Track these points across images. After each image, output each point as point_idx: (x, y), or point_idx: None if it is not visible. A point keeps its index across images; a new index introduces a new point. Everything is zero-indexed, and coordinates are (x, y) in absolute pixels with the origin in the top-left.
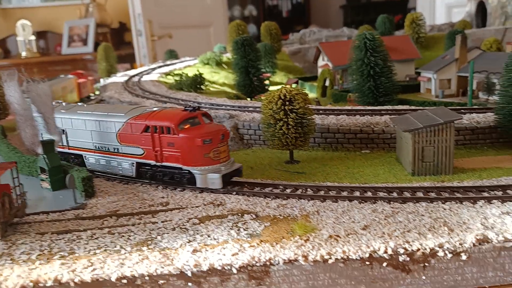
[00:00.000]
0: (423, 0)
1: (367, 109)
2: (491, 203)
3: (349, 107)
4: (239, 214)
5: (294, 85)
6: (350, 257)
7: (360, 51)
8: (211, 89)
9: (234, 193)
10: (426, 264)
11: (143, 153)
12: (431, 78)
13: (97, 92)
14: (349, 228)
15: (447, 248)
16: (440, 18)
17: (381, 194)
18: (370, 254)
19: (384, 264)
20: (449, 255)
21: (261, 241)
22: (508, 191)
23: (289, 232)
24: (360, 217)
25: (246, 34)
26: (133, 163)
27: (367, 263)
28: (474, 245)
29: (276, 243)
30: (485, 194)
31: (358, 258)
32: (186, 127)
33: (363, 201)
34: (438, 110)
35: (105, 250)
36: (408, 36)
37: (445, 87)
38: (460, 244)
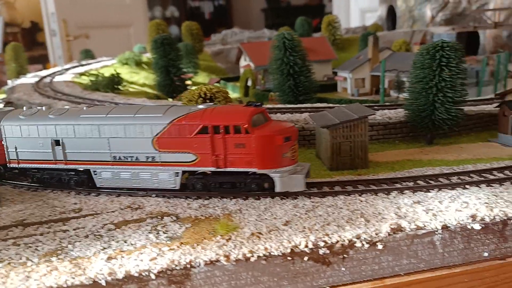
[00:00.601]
0: (338, 5)
1: (288, 107)
2: (403, 193)
3: (271, 106)
4: (159, 217)
5: (216, 85)
6: (272, 253)
7: (279, 51)
8: (130, 89)
9: (154, 195)
10: (345, 255)
11: (195, 160)
12: (347, 78)
13: (3, 95)
14: (271, 224)
15: (364, 238)
16: (354, 21)
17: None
18: (291, 249)
19: (305, 258)
20: (366, 245)
21: (182, 243)
22: (419, 182)
23: (211, 233)
24: (282, 213)
25: (166, 33)
26: (177, 172)
27: (289, 258)
28: (389, 234)
29: (197, 245)
30: (398, 185)
31: (280, 254)
32: (257, 125)
33: (284, 197)
34: (353, 107)
35: (9, 264)
36: (325, 38)
37: (359, 86)
38: (376, 234)
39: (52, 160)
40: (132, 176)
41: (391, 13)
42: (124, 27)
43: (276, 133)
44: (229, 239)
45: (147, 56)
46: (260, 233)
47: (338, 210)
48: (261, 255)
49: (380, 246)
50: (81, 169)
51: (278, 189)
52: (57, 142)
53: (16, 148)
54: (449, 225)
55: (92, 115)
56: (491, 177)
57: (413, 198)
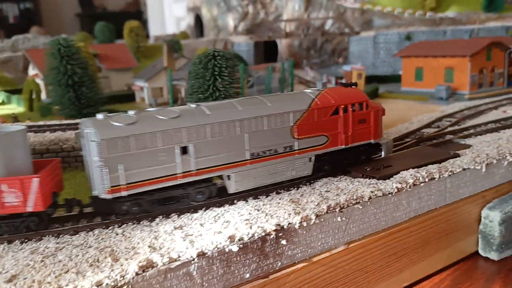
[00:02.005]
0: (153, 11)
1: (61, 124)
2: (169, 217)
3: (57, 122)
4: None
5: None
6: None
7: (54, 59)
8: None
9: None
10: None
11: (326, 141)
12: (143, 87)
13: None
14: None
15: (107, 284)
16: (170, 28)
17: (56, 225)
18: None
19: None
20: None
21: None
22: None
23: None
24: (12, 263)
25: None
26: (310, 158)
27: None
28: (137, 274)
29: None
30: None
31: None
32: None
33: (27, 239)
34: None
35: None
36: (124, 45)
37: (158, 95)
38: (122, 276)
39: (177, 174)
40: (269, 172)
41: (199, 22)
42: None
43: (380, 107)
44: None
45: None
46: None
47: (85, 251)
48: None
49: None
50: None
51: (384, 154)
52: (183, 150)
53: (123, 169)
54: (206, 251)
55: (223, 111)
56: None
57: (176, 223)
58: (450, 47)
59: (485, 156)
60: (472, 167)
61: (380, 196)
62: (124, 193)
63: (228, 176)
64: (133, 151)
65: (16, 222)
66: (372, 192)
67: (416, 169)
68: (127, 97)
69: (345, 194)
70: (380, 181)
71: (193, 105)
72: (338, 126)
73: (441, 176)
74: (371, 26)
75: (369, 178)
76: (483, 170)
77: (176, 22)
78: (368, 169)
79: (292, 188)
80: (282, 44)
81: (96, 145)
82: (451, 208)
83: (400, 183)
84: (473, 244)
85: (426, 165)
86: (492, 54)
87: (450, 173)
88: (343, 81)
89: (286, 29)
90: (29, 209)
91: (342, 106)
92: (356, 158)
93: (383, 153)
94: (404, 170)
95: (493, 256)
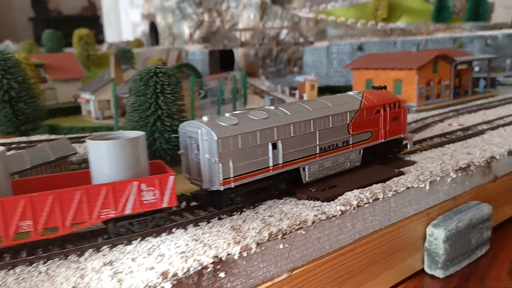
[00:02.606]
0: (109, 17)
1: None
2: (99, 251)
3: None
4: None
5: None
6: None
7: None
8: None
9: None
10: None
11: (371, 136)
12: (90, 100)
13: None
14: None
15: None
16: (127, 34)
17: None
18: None
19: None
20: None
21: None
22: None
23: None
24: None
25: None
26: (360, 150)
27: None
28: None
29: None
30: (96, 241)
31: None
32: None
33: None
34: (56, 143)
35: None
36: (72, 54)
37: (105, 108)
38: None
39: (269, 167)
40: (332, 163)
41: (154, 29)
42: None
43: (406, 106)
44: None
45: None
46: None
47: None
48: None
49: None
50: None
51: (409, 147)
52: (274, 146)
53: (231, 163)
54: None
55: (300, 112)
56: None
57: (107, 257)
58: (399, 60)
59: (428, 173)
60: (416, 185)
61: (323, 219)
62: (232, 185)
63: (303, 168)
64: (239, 147)
65: (148, 219)
66: (315, 216)
67: (360, 189)
68: (73, 110)
69: (288, 219)
70: (325, 203)
71: (271, 107)
72: (379, 123)
73: (385, 196)
74: (325, 36)
75: (314, 200)
76: (427, 187)
77: (132, 28)
78: (313, 190)
79: (235, 213)
80: (239, 53)
81: (213, 143)
82: (396, 227)
83: (344, 205)
84: (419, 262)
85: (370, 184)
86: (439, 66)
87: (394, 193)
88: (374, 87)
89: (241, 38)
90: (164, 205)
91: (382, 105)
92: (389, 150)
93: (408, 146)
94: (348, 191)
95: (439, 273)
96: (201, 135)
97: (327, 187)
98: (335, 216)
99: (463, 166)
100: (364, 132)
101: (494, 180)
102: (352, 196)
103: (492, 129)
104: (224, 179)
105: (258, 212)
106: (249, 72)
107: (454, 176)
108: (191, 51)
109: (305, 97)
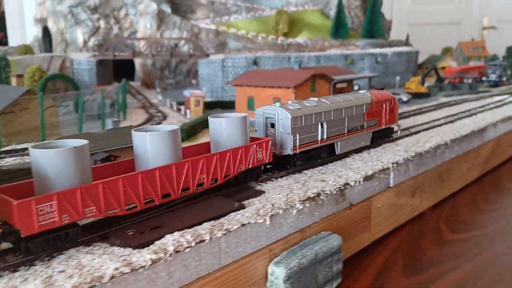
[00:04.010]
0: (12, 20)
1: None
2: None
3: None
4: None
5: None
6: None
7: None
8: None
9: None
10: None
11: (376, 124)
12: None
13: None
14: None
15: None
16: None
17: None
18: None
19: None
20: None
21: None
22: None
23: None
24: None
25: None
26: (369, 133)
27: None
28: None
29: None
30: None
31: None
32: None
33: None
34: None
35: None
36: None
37: None
38: None
39: (317, 140)
40: (354, 141)
41: (48, 34)
42: None
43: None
44: None
45: None
46: None
47: None
48: None
49: None
50: (329, 144)
51: (399, 133)
52: (321, 125)
53: (297, 135)
54: None
55: (336, 103)
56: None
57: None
58: (278, 78)
59: (270, 206)
60: (253, 221)
61: (127, 272)
62: (297, 151)
63: (337, 143)
64: (302, 125)
65: (258, 170)
66: (116, 268)
67: (183, 231)
68: None
69: (81, 274)
70: (136, 250)
71: (316, 99)
72: (382, 114)
73: (213, 236)
74: (226, 48)
75: (124, 247)
76: (267, 222)
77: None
78: (130, 233)
79: (21, 268)
80: (137, 63)
81: (287, 121)
82: (229, 269)
83: (156, 252)
84: None
85: (201, 223)
86: (317, 85)
87: (225, 232)
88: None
89: (138, 48)
90: (267, 161)
91: (383, 101)
92: (386, 135)
93: (398, 132)
94: (170, 233)
95: None
96: (278, 115)
97: (147, 229)
98: (144, 267)
99: (312, 195)
100: (373, 120)
101: (349, 207)
102: (170, 240)
103: (356, 152)
104: (293, 147)
105: (50, 266)
106: (147, 83)
107: (300, 207)
108: (76, 59)
109: (188, 114)
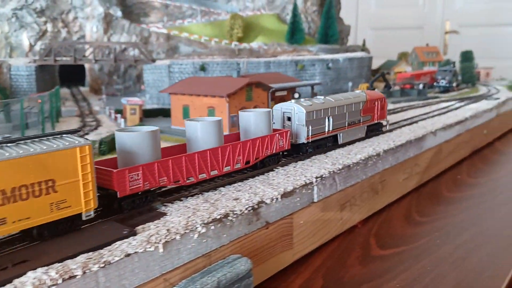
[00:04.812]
0: None
1: None
2: None
3: None
4: None
5: None
6: None
7: None
8: None
9: None
10: None
11: (370, 118)
12: None
13: None
14: None
15: None
16: None
17: None
18: None
19: None
20: None
21: None
22: None
23: None
24: None
25: None
26: (365, 127)
27: None
28: None
29: None
30: None
31: None
32: None
33: None
34: None
35: None
36: None
37: None
38: None
39: (324, 131)
40: (352, 133)
41: None
42: None
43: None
44: None
45: None
46: None
47: None
48: None
49: None
50: (334, 135)
51: (388, 127)
52: (328, 119)
53: (310, 127)
54: None
55: (336, 100)
56: None
57: None
58: (213, 86)
59: (165, 232)
60: (141, 250)
61: None
62: (309, 140)
63: (339, 135)
64: (314, 118)
65: (279, 155)
66: None
67: (48, 266)
68: None
69: None
70: None
71: (322, 97)
72: (374, 110)
73: (87, 271)
74: (177, 53)
75: None
76: (161, 250)
77: None
78: None
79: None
80: (86, 68)
81: (302, 114)
82: None
83: None
84: None
85: (75, 255)
86: (254, 94)
87: (103, 265)
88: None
89: (85, 52)
90: (286, 147)
91: (375, 99)
92: (378, 129)
93: (387, 126)
94: (32, 270)
95: None
96: (294, 110)
97: (11, 264)
98: None
99: (218, 217)
100: (367, 115)
101: (266, 226)
102: (30, 279)
103: (283, 165)
104: (307, 136)
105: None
106: (95, 88)
107: (203, 230)
108: (14, 65)
109: (122, 123)
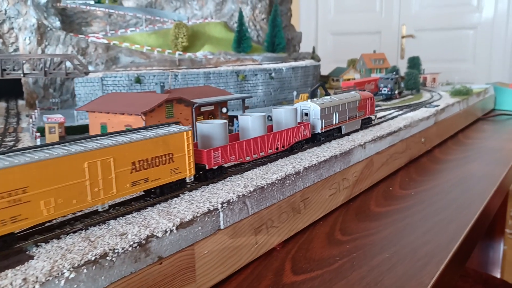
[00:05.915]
0: None
1: None
2: None
3: None
4: None
5: None
6: None
7: None
8: None
9: None
10: None
11: (363, 114)
12: None
13: None
14: None
15: None
16: None
17: None
18: None
19: None
20: None
21: None
22: None
23: None
24: None
25: None
26: (360, 120)
27: None
28: None
29: None
30: None
31: None
32: None
33: None
34: None
35: None
36: None
37: None
38: None
39: (333, 124)
40: (351, 125)
41: None
42: None
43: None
44: None
45: None
46: None
47: None
48: None
49: None
50: (338, 127)
51: (375, 121)
52: (335, 114)
53: (323, 120)
54: None
55: (339, 99)
56: None
57: None
58: (130, 103)
59: (20, 282)
60: None
61: None
62: (322, 131)
63: (342, 127)
64: (325, 113)
65: (302, 142)
66: None
67: None
68: None
69: None
70: None
71: (328, 97)
72: (366, 107)
73: None
74: (117, 64)
75: None
76: None
77: None
78: None
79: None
80: (22, 82)
81: (318, 110)
82: None
83: None
84: None
85: None
86: (175, 110)
87: None
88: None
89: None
90: (308, 136)
91: (367, 98)
92: (369, 122)
93: (375, 120)
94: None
95: None
96: (311, 108)
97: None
98: None
99: (93, 258)
100: (362, 111)
101: (159, 262)
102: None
103: (190, 190)
104: (321, 128)
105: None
106: (30, 103)
107: (72, 275)
108: None
109: (38, 141)
